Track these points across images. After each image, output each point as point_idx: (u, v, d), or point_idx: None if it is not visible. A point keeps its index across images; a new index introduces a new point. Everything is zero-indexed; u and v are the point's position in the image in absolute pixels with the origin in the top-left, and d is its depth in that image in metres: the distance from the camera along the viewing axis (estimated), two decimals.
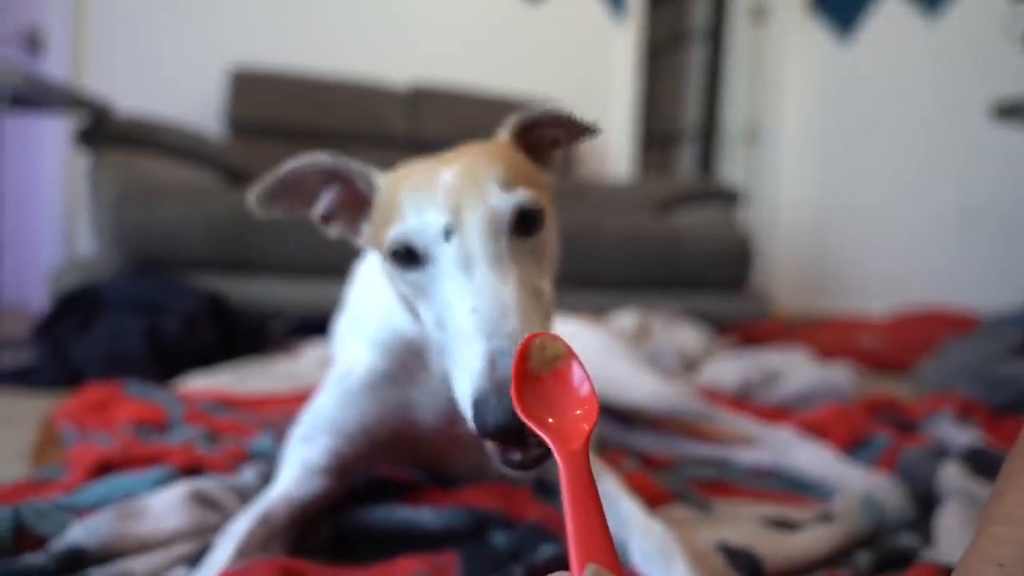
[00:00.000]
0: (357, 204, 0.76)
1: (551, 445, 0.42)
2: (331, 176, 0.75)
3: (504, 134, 0.76)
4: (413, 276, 0.65)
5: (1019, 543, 0.42)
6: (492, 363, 0.54)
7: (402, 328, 0.83)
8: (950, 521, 0.88)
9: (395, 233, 0.65)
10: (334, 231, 0.78)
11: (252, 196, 0.75)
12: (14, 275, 2.45)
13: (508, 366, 0.52)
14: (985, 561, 0.42)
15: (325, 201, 0.76)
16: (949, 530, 0.86)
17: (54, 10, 3.06)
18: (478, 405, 0.53)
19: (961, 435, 1.22)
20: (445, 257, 0.62)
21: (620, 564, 0.37)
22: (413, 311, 0.71)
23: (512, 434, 0.51)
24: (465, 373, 0.57)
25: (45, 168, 3.10)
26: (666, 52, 5.15)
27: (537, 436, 0.45)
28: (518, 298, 0.59)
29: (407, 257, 0.65)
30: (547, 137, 0.78)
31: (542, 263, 0.68)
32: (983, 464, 1.03)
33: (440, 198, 0.64)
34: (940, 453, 1.13)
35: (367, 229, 0.75)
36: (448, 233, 0.62)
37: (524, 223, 0.65)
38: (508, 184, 0.65)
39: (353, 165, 0.74)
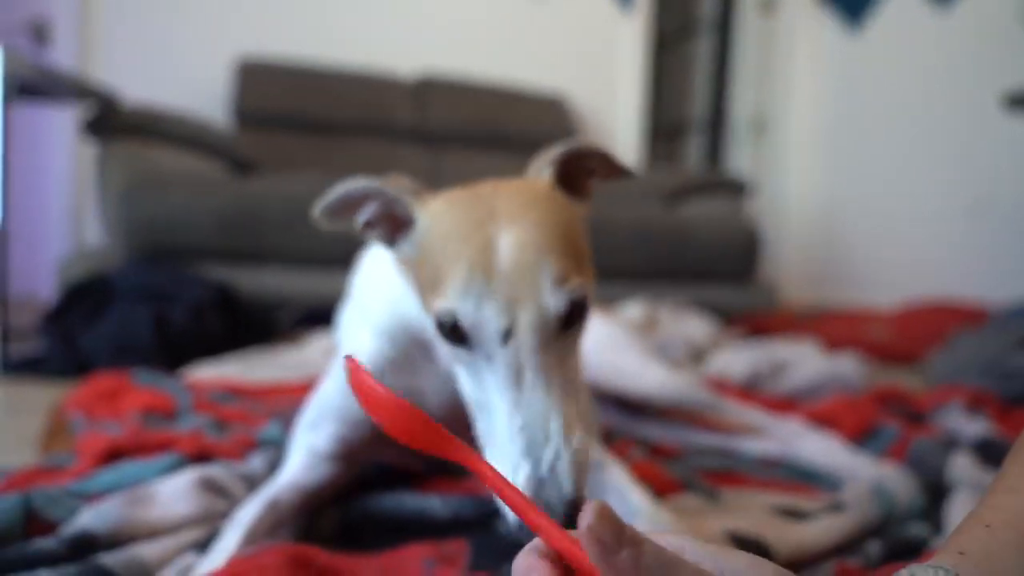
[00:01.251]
0: (394, 220, 0.76)
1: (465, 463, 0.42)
2: (370, 197, 0.76)
3: (547, 172, 0.74)
4: (460, 352, 0.66)
5: (1010, 509, 0.43)
6: (535, 492, 0.58)
7: (407, 317, 0.83)
8: (960, 511, 0.87)
9: (447, 310, 0.64)
10: (372, 236, 0.78)
11: (316, 214, 0.78)
12: (23, 265, 2.46)
13: (551, 496, 0.57)
14: (975, 523, 0.43)
15: (366, 213, 0.77)
16: (961, 519, 0.85)
17: (60, 0, 3.06)
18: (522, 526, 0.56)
19: (971, 426, 1.22)
20: (498, 359, 0.63)
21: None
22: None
23: None
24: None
25: (53, 158, 3.11)
26: (674, 43, 5.13)
27: None
28: (560, 418, 0.61)
29: (454, 332, 0.65)
30: (584, 167, 0.77)
31: (578, 350, 0.69)
32: (993, 455, 1.03)
33: (498, 290, 0.63)
34: (950, 444, 1.13)
35: (407, 249, 0.74)
36: (505, 337, 0.63)
37: (571, 315, 0.65)
38: (562, 277, 0.64)
39: (387, 191, 0.74)
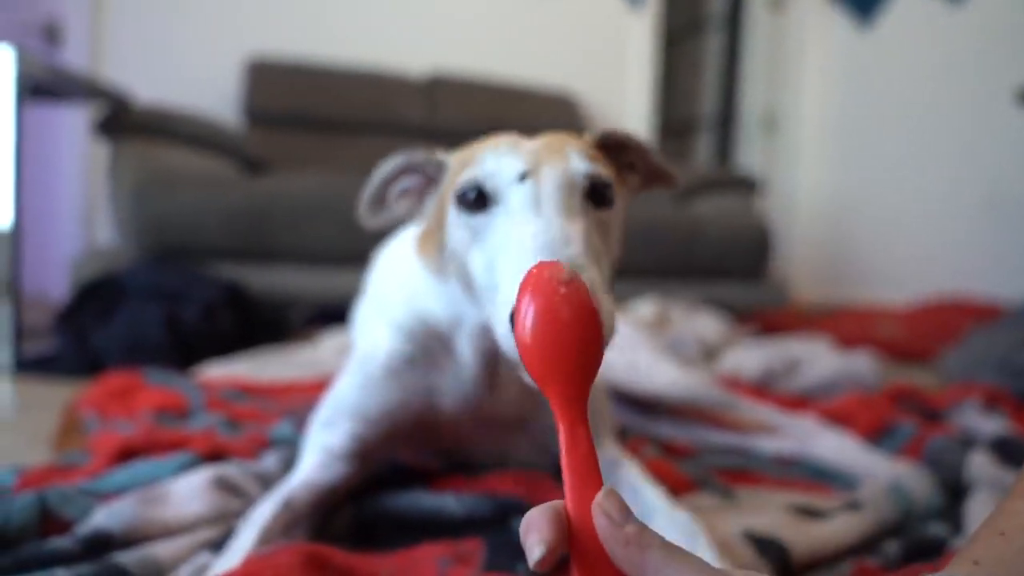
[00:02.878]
0: (426, 186, 0.80)
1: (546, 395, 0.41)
2: (406, 168, 0.79)
3: (587, 136, 0.77)
4: (476, 220, 0.66)
5: None
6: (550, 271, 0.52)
7: (426, 312, 0.83)
8: (980, 510, 0.86)
9: (469, 175, 0.66)
10: (401, 208, 0.82)
11: (361, 212, 0.81)
12: (35, 265, 2.47)
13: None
14: (990, 531, 0.43)
15: (401, 186, 0.81)
16: (980, 519, 0.85)
17: (72, 1, 3.08)
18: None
19: (988, 424, 1.21)
20: (515, 197, 0.63)
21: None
22: (460, 269, 0.71)
23: None
24: (512, 289, 0.54)
25: (65, 158, 3.12)
26: (683, 39, 5.11)
27: None
28: (584, 235, 0.59)
29: (475, 202, 0.66)
30: (625, 160, 0.79)
31: (607, 241, 0.68)
32: (1011, 453, 1.02)
33: (522, 151, 0.66)
34: (967, 442, 1.12)
35: (430, 202, 0.78)
36: (523, 177, 0.64)
37: (597, 195, 0.66)
38: (588, 158, 0.66)
39: (418, 157, 0.78)
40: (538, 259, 0.49)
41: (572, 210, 0.62)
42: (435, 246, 0.76)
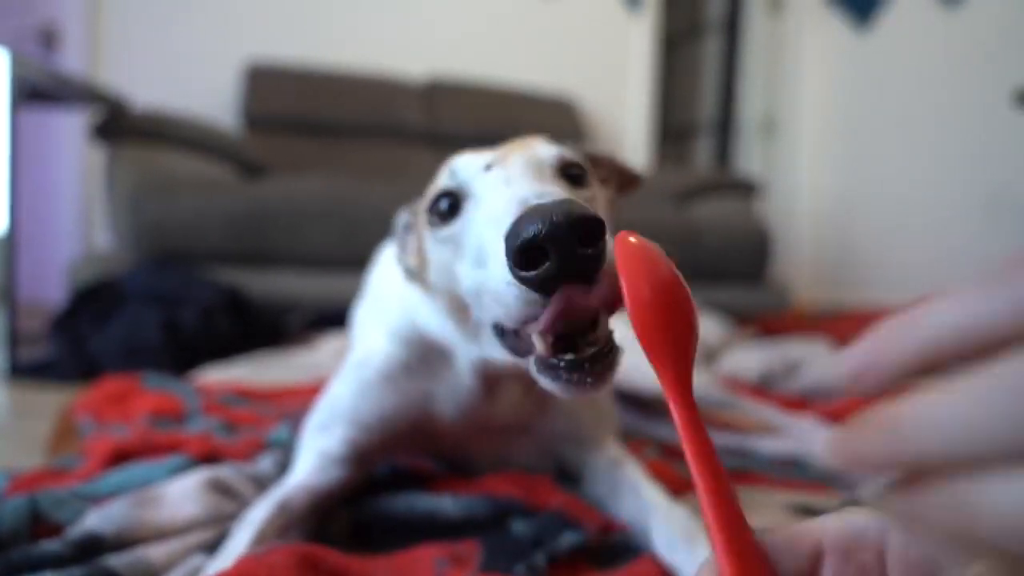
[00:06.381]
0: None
1: (660, 379, 0.34)
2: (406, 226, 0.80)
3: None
4: (452, 227, 0.61)
5: None
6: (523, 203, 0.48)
7: (421, 323, 0.82)
8: None
9: (435, 185, 0.65)
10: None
11: (402, 264, 0.80)
12: (32, 269, 2.46)
13: (552, 210, 0.44)
14: None
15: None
16: None
17: (69, 6, 3.08)
18: (511, 233, 0.45)
19: None
20: (485, 184, 0.60)
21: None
22: (451, 304, 0.67)
23: (563, 250, 0.44)
24: (501, 260, 0.50)
25: (62, 162, 3.12)
26: (682, 44, 5.11)
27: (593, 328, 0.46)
28: (564, 194, 0.53)
29: (448, 211, 0.62)
30: (600, 176, 0.77)
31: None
32: None
33: (484, 153, 0.65)
34: None
35: (411, 245, 0.77)
36: (488, 167, 0.61)
37: (570, 176, 0.64)
38: (553, 144, 0.66)
39: (407, 214, 0.79)
40: (518, 211, 0.47)
41: (544, 180, 0.59)
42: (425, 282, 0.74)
